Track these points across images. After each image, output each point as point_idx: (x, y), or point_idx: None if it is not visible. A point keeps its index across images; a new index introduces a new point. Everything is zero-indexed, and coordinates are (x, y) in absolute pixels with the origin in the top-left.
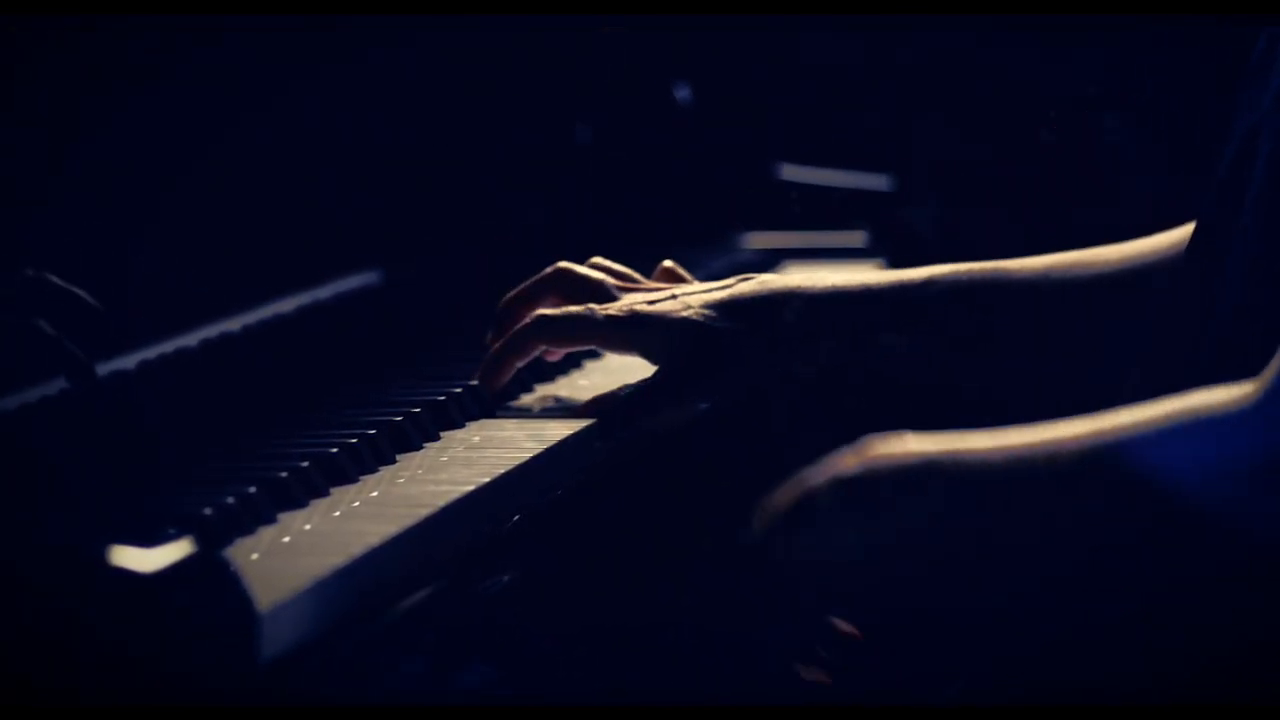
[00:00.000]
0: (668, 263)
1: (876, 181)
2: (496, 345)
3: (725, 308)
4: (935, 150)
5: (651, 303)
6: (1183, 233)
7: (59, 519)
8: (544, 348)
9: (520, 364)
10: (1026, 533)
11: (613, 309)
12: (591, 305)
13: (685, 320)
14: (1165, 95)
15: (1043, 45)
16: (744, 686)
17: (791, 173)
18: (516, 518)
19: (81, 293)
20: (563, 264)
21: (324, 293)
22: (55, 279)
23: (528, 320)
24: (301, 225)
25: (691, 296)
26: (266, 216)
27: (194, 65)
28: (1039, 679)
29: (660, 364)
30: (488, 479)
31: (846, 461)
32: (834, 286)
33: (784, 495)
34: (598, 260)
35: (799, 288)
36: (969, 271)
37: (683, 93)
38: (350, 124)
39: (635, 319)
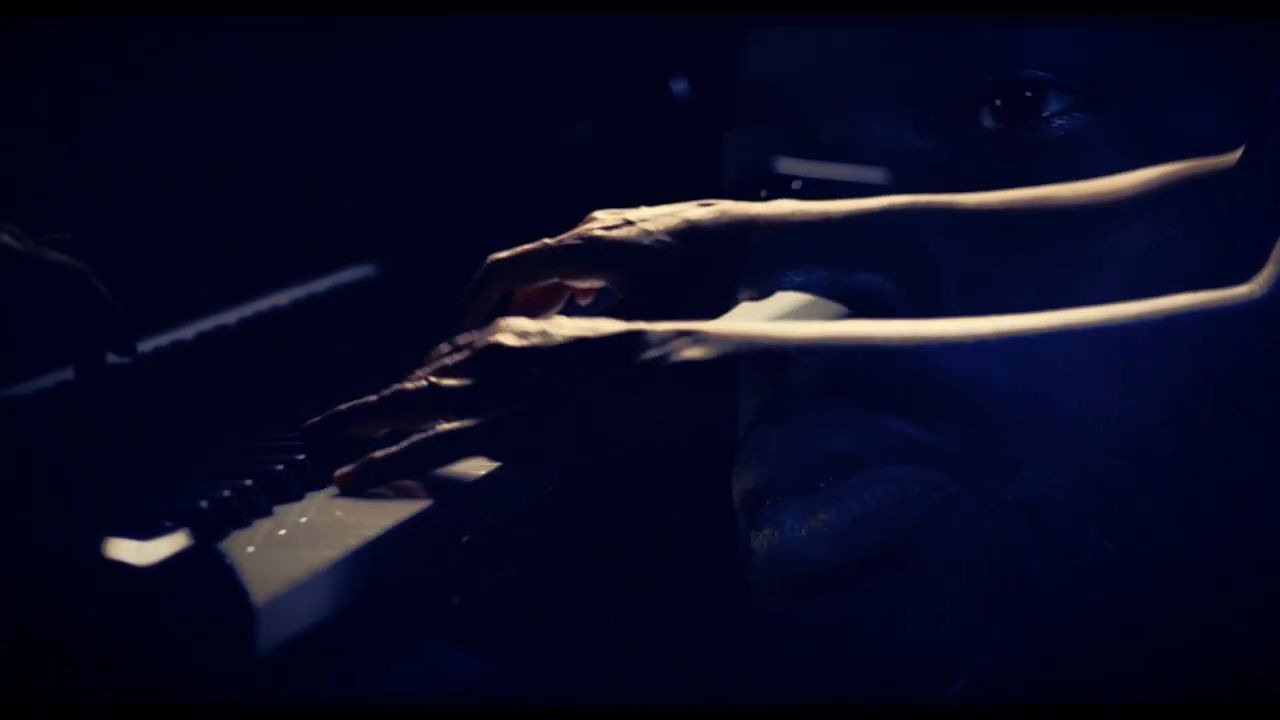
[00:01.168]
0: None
1: (873, 174)
2: (463, 308)
3: (683, 235)
4: (888, 141)
5: (608, 228)
6: (1156, 173)
7: (54, 512)
8: (501, 291)
9: (482, 311)
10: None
11: (567, 238)
12: (545, 240)
13: (643, 246)
14: (1116, 77)
15: (987, 26)
16: (744, 686)
17: (789, 165)
18: (514, 512)
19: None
20: (492, 257)
21: (320, 286)
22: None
23: (481, 270)
24: (296, 218)
25: (648, 223)
26: (261, 210)
27: (190, 62)
28: (1040, 679)
29: (624, 293)
30: (484, 471)
31: None
32: (792, 214)
33: None
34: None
35: (758, 216)
36: (928, 203)
37: (679, 85)
38: (347, 118)
39: (592, 245)
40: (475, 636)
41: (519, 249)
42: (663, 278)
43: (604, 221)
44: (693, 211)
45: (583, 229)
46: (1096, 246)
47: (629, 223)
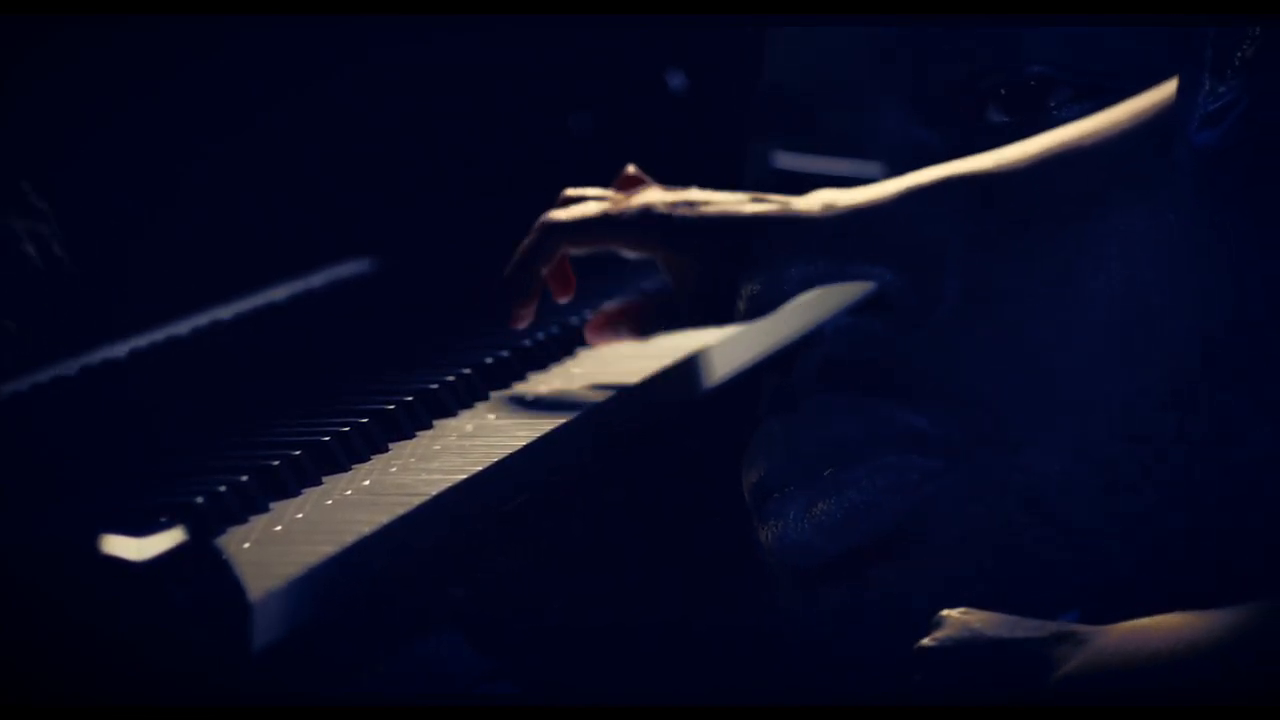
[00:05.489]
0: (630, 168)
1: (870, 169)
2: (511, 267)
3: (750, 223)
4: (893, 135)
5: (669, 204)
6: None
7: (49, 508)
8: (565, 252)
9: (543, 273)
10: None
11: (630, 210)
12: (604, 207)
13: (716, 219)
14: (1113, 67)
15: (993, 21)
16: (754, 684)
17: (787, 161)
18: (512, 507)
19: None
20: (549, 216)
21: (316, 280)
22: None
23: (538, 230)
24: (293, 213)
25: (708, 207)
26: (257, 205)
27: (188, 59)
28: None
29: (687, 271)
30: (481, 467)
31: None
32: (855, 206)
33: None
34: (570, 191)
35: (806, 213)
36: (937, 179)
37: (676, 81)
38: (344, 112)
39: (661, 222)
40: (480, 630)
41: (580, 210)
42: (714, 265)
43: (666, 199)
44: (752, 205)
45: (644, 200)
46: (1097, 230)
47: (689, 203)
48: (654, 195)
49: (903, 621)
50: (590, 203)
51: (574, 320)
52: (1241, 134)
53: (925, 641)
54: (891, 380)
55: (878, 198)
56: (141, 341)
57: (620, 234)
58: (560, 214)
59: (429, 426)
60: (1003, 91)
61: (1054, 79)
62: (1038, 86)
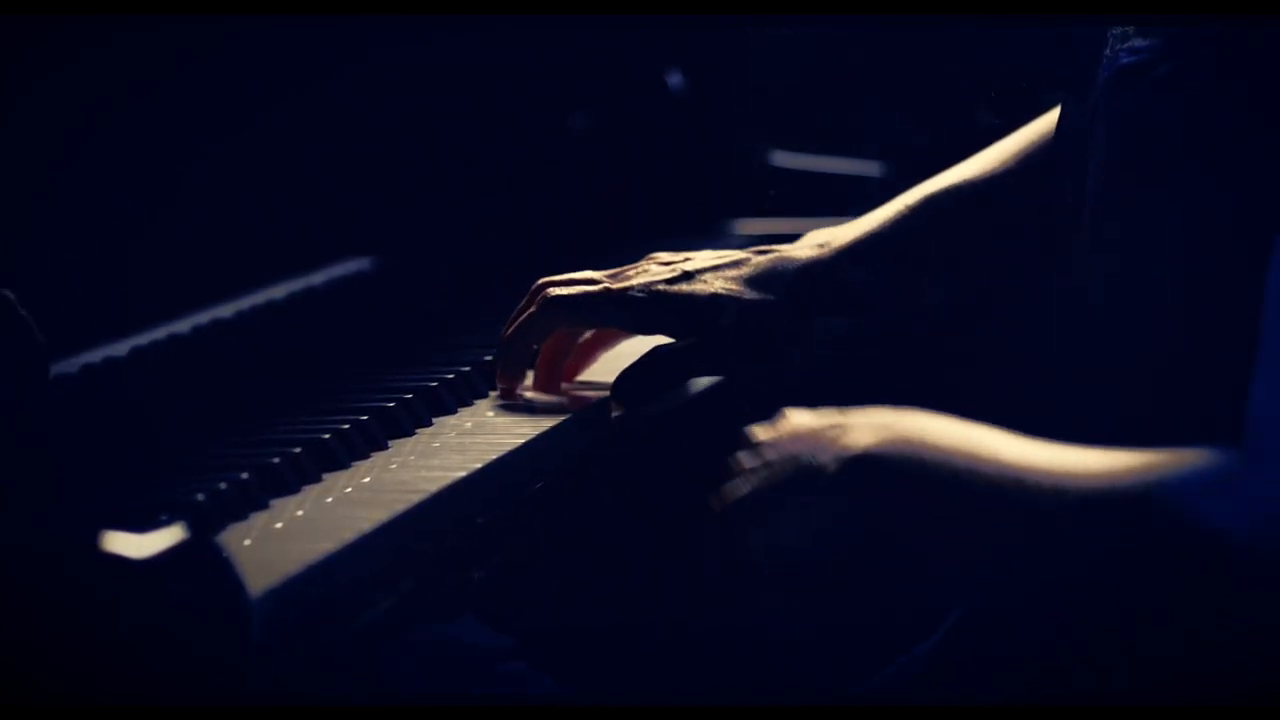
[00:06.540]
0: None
1: (867, 167)
2: (509, 331)
3: (749, 281)
4: (884, 134)
5: (669, 281)
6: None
7: (52, 506)
8: (555, 328)
9: (534, 343)
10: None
11: (634, 288)
12: (607, 285)
13: (714, 296)
14: (1103, 64)
15: (985, 21)
16: (749, 684)
17: (783, 159)
18: (511, 506)
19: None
20: (551, 291)
21: (316, 279)
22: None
23: (540, 305)
24: (293, 212)
25: (709, 274)
26: (258, 204)
27: (187, 58)
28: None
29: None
30: (480, 465)
31: (860, 436)
32: (844, 246)
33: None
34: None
35: (812, 259)
36: (942, 189)
37: (675, 80)
38: (344, 112)
39: (660, 298)
40: (497, 613)
41: (583, 290)
42: (721, 329)
43: (661, 274)
44: (753, 259)
45: (640, 279)
46: (1078, 234)
47: (688, 275)
48: (648, 276)
49: (889, 626)
50: (591, 281)
51: None
52: (1163, 99)
53: (755, 429)
54: (876, 383)
55: (889, 219)
56: (143, 340)
57: (623, 316)
58: (561, 289)
59: (429, 424)
60: (993, 93)
61: (1043, 75)
62: (1027, 84)
